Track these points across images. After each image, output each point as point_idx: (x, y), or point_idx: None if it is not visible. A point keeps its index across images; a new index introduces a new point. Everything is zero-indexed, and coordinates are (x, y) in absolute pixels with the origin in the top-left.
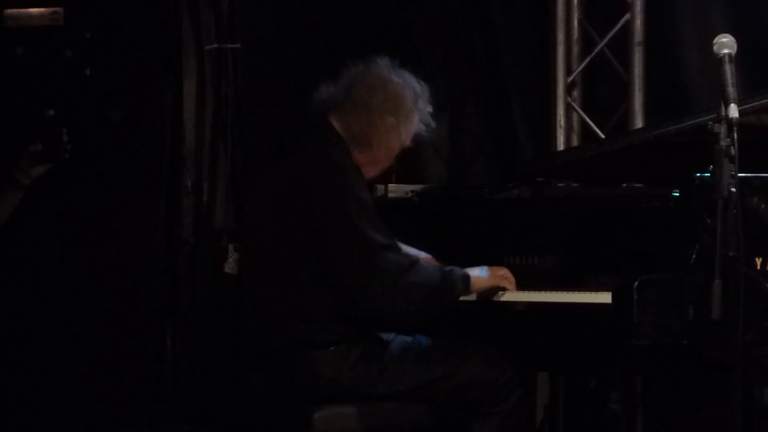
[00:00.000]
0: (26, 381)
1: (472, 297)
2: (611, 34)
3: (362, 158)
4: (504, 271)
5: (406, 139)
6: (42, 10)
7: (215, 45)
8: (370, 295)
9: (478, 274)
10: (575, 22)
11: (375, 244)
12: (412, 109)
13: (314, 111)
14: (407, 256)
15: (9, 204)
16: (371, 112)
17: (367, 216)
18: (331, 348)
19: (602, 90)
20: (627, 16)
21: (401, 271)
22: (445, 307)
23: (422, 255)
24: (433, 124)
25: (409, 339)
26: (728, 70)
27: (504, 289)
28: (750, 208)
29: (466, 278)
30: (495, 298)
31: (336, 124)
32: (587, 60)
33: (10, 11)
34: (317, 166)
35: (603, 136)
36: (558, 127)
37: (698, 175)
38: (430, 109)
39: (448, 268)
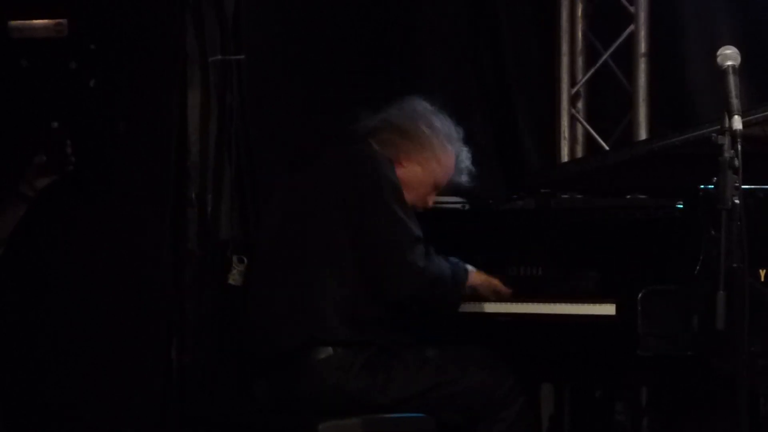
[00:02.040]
0: (33, 391)
1: (478, 308)
2: (615, 45)
3: (399, 173)
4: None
5: (439, 170)
6: (46, 21)
7: (220, 56)
8: (401, 285)
9: (472, 269)
10: (579, 34)
11: (413, 234)
12: (445, 136)
13: (350, 131)
14: (430, 248)
15: (13, 216)
16: (403, 124)
17: (403, 204)
18: (338, 350)
19: (606, 101)
20: (631, 27)
21: (428, 265)
22: (453, 301)
23: None
24: (475, 172)
25: (413, 347)
26: (732, 81)
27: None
28: (754, 220)
29: (466, 271)
30: (499, 310)
31: (374, 144)
32: (591, 71)
33: (14, 23)
34: (353, 158)
35: (607, 148)
36: (562, 138)
37: (702, 186)
38: (468, 156)
39: (454, 260)
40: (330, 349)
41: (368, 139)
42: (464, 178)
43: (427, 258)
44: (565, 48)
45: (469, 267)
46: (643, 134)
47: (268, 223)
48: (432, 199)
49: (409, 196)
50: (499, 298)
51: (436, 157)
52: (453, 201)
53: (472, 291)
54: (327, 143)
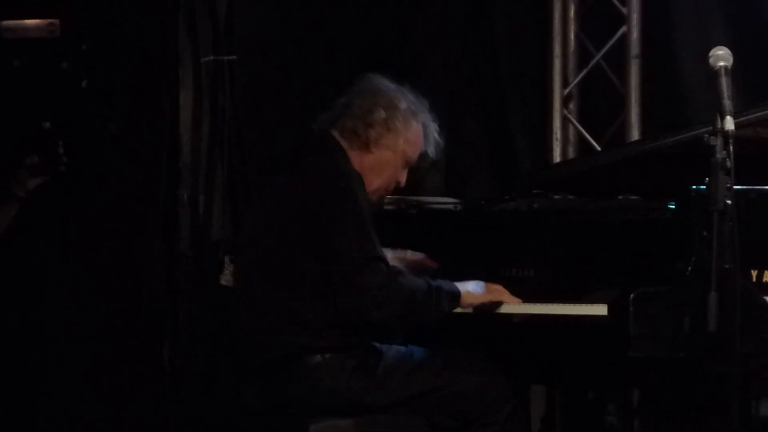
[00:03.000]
0: (25, 391)
1: (469, 309)
2: (608, 46)
3: (364, 163)
4: (500, 288)
5: (408, 148)
6: (38, 21)
7: (212, 57)
8: (353, 302)
9: (471, 289)
10: (572, 35)
11: (366, 256)
12: (409, 112)
13: (317, 128)
14: (393, 268)
15: (5, 216)
16: (364, 110)
17: (362, 223)
18: (327, 356)
19: (599, 102)
20: (623, 28)
21: (384, 284)
22: (428, 321)
23: (417, 255)
24: (442, 144)
25: (404, 350)
26: (724, 82)
27: (500, 303)
28: (746, 221)
29: (456, 295)
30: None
31: (336, 135)
32: (584, 72)
33: (6, 23)
34: (318, 173)
35: (599, 149)
36: (554, 139)
37: (694, 187)
38: (436, 127)
39: (437, 283)
40: (318, 357)
41: (334, 133)
42: (431, 149)
43: (383, 278)
44: (557, 49)
45: (471, 285)
46: (635, 135)
47: (249, 228)
48: (404, 177)
49: (381, 180)
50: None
51: (403, 136)
52: (445, 202)
53: (473, 308)
54: (303, 144)
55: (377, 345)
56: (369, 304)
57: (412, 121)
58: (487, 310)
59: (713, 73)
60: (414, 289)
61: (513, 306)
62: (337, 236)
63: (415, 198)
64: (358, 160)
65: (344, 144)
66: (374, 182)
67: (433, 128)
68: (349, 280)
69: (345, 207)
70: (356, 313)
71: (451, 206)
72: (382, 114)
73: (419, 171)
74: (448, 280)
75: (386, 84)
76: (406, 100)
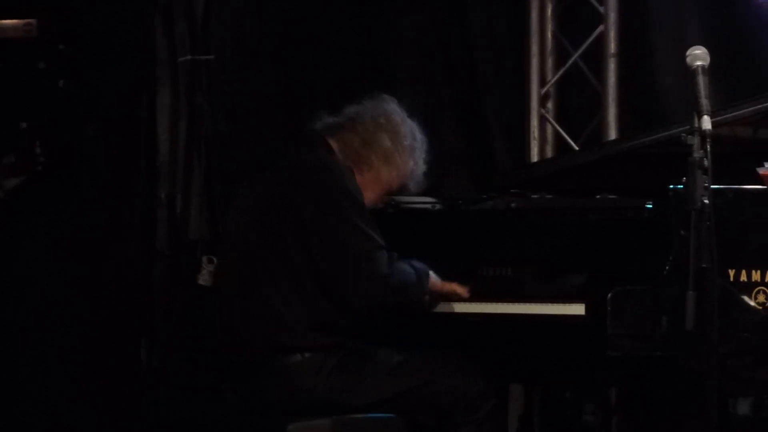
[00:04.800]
0: (2, 391)
1: (444, 309)
2: (585, 45)
3: (357, 180)
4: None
5: (396, 181)
6: (15, 21)
7: (189, 57)
8: (367, 296)
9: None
10: (549, 34)
11: (374, 243)
12: (409, 150)
13: (309, 130)
14: (392, 255)
15: None
16: (370, 133)
17: (363, 214)
18: (306, 355)
19: (576, 101)
20: (601, 27)
21: (391, 272)
22: (418, 302)
23: None
24: (424, 184)
25: (384, 350)
26: (701, 82)
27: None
28: (723, 220)
29: (427, 273)
30: (469, 310)
31: (334, 145)
32: (561, 72)
33: None
34: (310, 168)
35: (577, 148)
36: (532, 138)
37: (672, 186)
38: (425, 166)
39: (419, 265)
40: (298, 356)
41: (328, 139)
42: (413, 186)
43: (390, 265)
44: (534, 48)
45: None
46: (612, 134)
47: (231, 228)
48: (382, 201)
49: (370, 196)
50: (457, 299)
51: (396, 171)
52: (423, 201)
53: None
54: (289, 142)
55: (357, 345)
56: (382, 291)
57: (409, 160)
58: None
59: (690, 73)
60: (408, 271)
61: (491, 306)
62: (343, 228)
63: (393, 197)
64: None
65: (339, 154)
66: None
67: (423, 167)
68: (361, 270)
69: (344, 199)
70: (373, 300)
71: (428, 206)
72: (387, 144)
73: None
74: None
75: (398, 114)
76: (410, 137)
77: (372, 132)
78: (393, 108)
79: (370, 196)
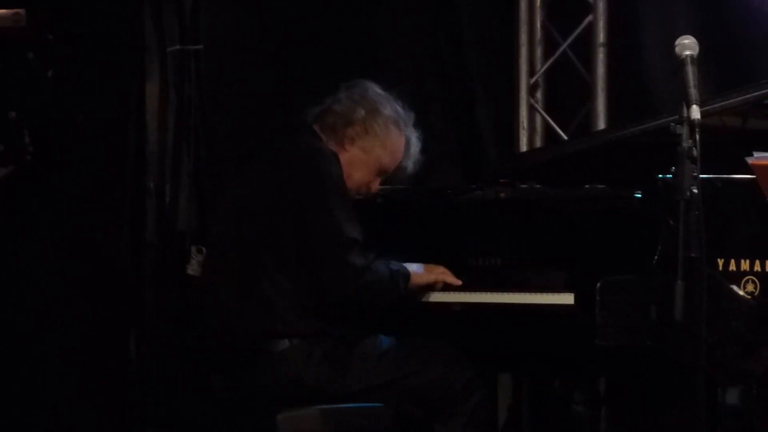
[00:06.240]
0: None
1: (434, 298)
2: (574, 35)
3: (342, 158)
4: (441, 269)
5: (383, 154)
6: (4, 11)
7: (178, 46)
8: (337, 284)
9: (415, 270)
10: (538, 24)
11: (348, 236)
12: (391, 120)
13: (296, 119)
14: (370, 252)
15: None
16: (347, 109)
17: (344, 204)
18: (294, 341)
19: (565, 91)
20: (589, 17)
21: (364, 266)
22: (390, 301)
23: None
24: (422, 160)
25: (372, 339)
26: (690, 71)
27: (446, 286)
28: (712, 210)
29: (407, 276)
30: (458, 300)
31: (316, 128)
32: (550, 61)
33: None
34: (296, 154)
35: (566, 138)
36: (521, 128)
37: (661, 176)
38: (419, 143)
39: (395, 265)
40: (286, 342)
41: (314, 126)
42: (410, 164)
43: (364, 260)
44: (523, 38)
45: (414, 267)
46: (601, 124)
47: (220, 216)
48: (377, 185)
49: (352, 181)
50: (448, 286)
51: (380, 141)
52: (412, 191)
53: (420, 288)
54: (279, 131)
55: (345, 334)
56: (355, 283)
57: (393, 129)
58: (431, 293)
59: (679, 62)
60: (383, 272)
61: (480, 295)
62: (320, 213)
63: (382, 187)
64: (336, 152)
65: (322, 137)
66: (349, 178)
67: (416, 144)
68: (334, 257)
69: (326, 185)
70: (343, 290)
71: (417, 196)
72: (362, 113)
73: None
74: (396, 262)
75: (375, 90)
76: (391, 107)
77: (348, 107)
78: (369, 86)
79: (361, 174)
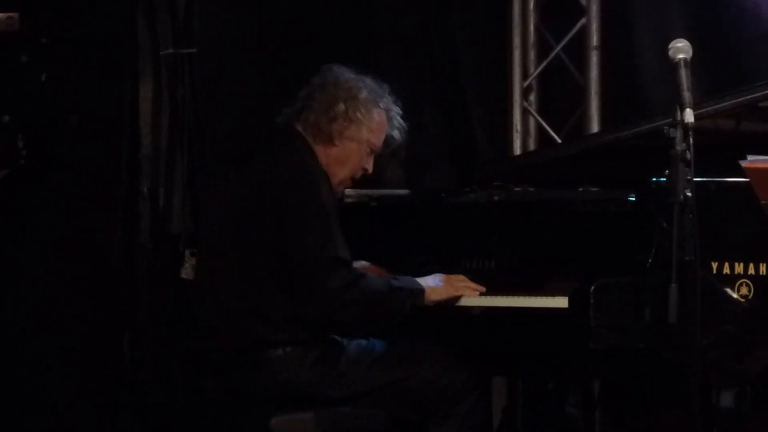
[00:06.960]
0: None
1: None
2: (567, 38)
3: (330, 156)
4: (461, 279)
5: (372, 136)
6: None
7: (172, 50)
8: (313, 301)
9: (433, 284)
10: (531, 27)
11: (328, 256)
12: (369, 101)
13: (280, 122)
14: (355, 270)
15: None
16: (325, 104)
17: (325, 223)
18: (288, 349)
19: (558, 94)
20: (583, 20)
21: (345, 285)
22: (389, 320)
23: (360, 264)
24: (406, 128)
25: (365, 342)
26: (683, 74)
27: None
28: (706, 212)
29: (419, 292)
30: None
31: (300, 129)
32: (543, 64)
33: None
34: (283, 168)
35: (559, 140)
36: (514, 131)
37: (654, 179)
38: (399, 110)
39: (399, 283)
40: (279, 350)
41: (297, 127)
42: (396, 132)
43: (345, 279)
44: (517, 41)
45: (430, 280)
46: (595, 127)
47: (209, 222)
48: (371, 164)
49: (347, 170)
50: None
51: (366, 125)
52: (405, 194)
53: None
54: (264, 135)
55: (338, 338)
56: (332, 306)
57: (374, 109)
58: (449, 305)
59: (673, 65)
60: (375, 290)
61: (474, 299)
62: (298, 234)
63: (375, 191)
64: (323, 153)
65: (309, 138)
66: (339, 174)
67: (396, 111)
68: (311, 279)
69: (308, 205)
70: (319, 314)
71: (411, 198)
72: (342, 107)
73: (379, 162)
74: (410, 277)
75: (346, 74)
76: (366, 88)
77: (326, 102)
78: (339, 71)
79: (356, 159)
